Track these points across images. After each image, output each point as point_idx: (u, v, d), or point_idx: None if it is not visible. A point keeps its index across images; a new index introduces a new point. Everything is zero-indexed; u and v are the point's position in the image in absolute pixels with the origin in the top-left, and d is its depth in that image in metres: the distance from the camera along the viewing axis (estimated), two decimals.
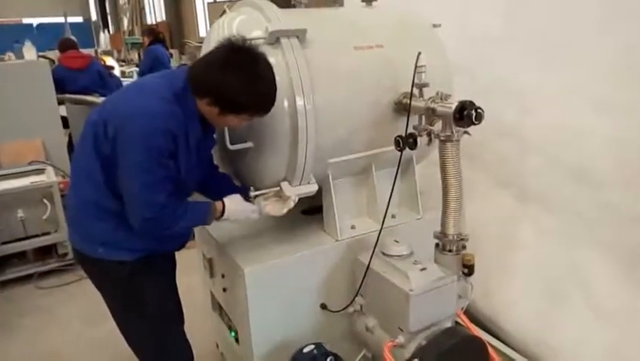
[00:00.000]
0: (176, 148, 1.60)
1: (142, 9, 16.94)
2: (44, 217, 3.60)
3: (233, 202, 1.84)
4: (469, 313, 2.19)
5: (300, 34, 1.84)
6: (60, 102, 4.95)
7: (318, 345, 1.94)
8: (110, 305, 1.86)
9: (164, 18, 14.91)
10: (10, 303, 3.39)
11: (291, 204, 1.93)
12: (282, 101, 1.81)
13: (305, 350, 1.92)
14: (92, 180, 1.65)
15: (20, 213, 3.54)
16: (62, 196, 3.76)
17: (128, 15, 17.54)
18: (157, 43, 7.06)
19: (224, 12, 2.12)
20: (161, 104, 1.57)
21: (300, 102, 1.80)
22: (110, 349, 2.78)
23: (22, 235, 3.59)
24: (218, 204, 1.81)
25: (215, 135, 1.89)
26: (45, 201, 3.59)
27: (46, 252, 3.79)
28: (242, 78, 1.58)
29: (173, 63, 8.61)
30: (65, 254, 3.76)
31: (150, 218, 1.60)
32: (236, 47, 1.60)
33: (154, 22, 15.56)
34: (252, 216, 1.88)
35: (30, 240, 3.63)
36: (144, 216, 1.60)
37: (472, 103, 1.71)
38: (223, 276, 2.17)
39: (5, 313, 3.26)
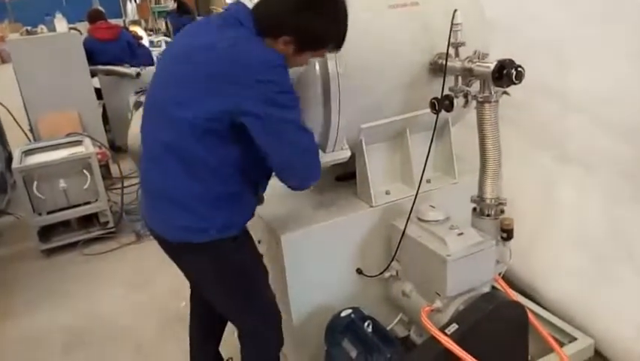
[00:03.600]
0: None
1: None
2: (85, 187, 3.71)
3: None
4: (506, 278, 2.16)
5: None
6: (93, 74, 5.03)
7: (356, 309, 1.97)
8: (213, 285, 1.79)
9: None
10: (58, 270, 3.55)
11: None
12: (313, 66, 1.77)
13: (343, 315, 1.95)
14: (186, 162, 1.55)
15: (62, 184, 3.66)
16: (101, 167, 3.89)
17: None
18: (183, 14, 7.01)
19: None
20: (271, 50, 1.51)
21: (331, 66, 1.75)
22: (154, 311, 2.91)
23: (66, 205, 3.73)
24: None
25: None
26: (85, 171, 3.70)
27: (88, 220, 3.94)
28: (328, 13, 1.53)
29: None
30: (106, 222, 3.89)
31: (318, 172, 1.65)
32: None
33: None
34: None
35: (73, 209, 3.76)
36: (315, 174, 1.65)
37: (512, 61, 1.63)
38: (259, 242, 2.20)
39: (54, 279, 3.43)
